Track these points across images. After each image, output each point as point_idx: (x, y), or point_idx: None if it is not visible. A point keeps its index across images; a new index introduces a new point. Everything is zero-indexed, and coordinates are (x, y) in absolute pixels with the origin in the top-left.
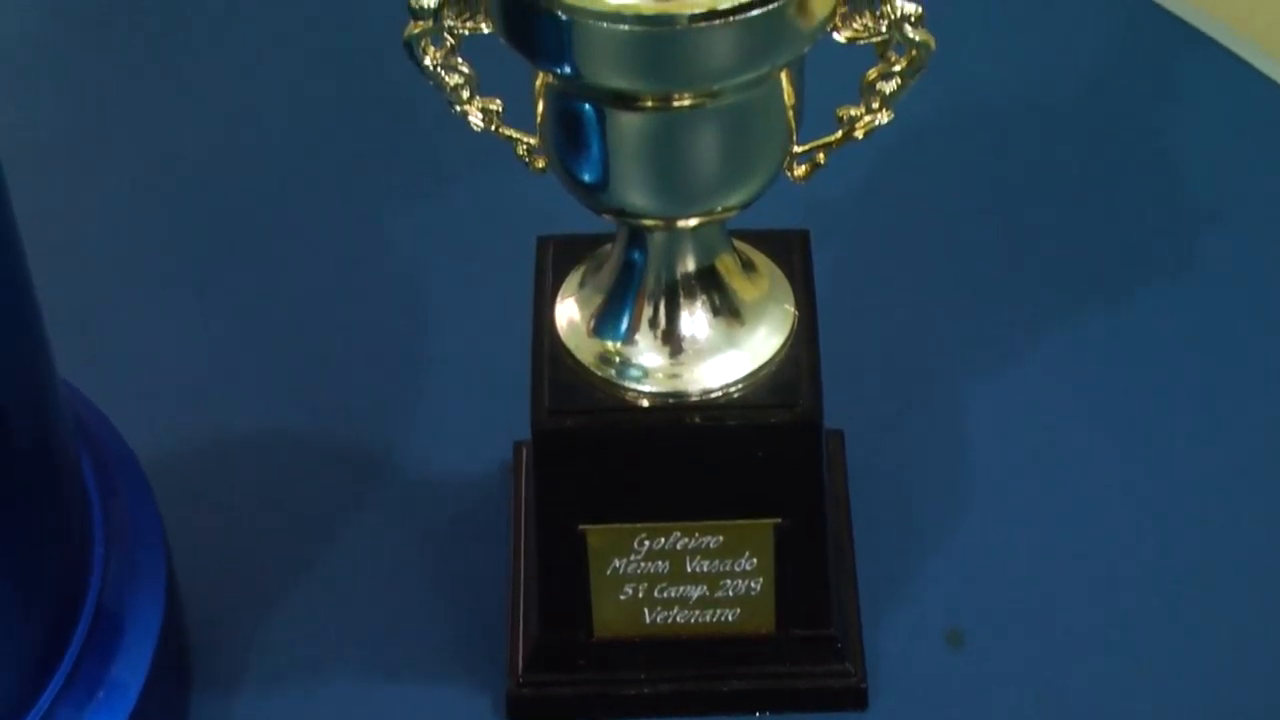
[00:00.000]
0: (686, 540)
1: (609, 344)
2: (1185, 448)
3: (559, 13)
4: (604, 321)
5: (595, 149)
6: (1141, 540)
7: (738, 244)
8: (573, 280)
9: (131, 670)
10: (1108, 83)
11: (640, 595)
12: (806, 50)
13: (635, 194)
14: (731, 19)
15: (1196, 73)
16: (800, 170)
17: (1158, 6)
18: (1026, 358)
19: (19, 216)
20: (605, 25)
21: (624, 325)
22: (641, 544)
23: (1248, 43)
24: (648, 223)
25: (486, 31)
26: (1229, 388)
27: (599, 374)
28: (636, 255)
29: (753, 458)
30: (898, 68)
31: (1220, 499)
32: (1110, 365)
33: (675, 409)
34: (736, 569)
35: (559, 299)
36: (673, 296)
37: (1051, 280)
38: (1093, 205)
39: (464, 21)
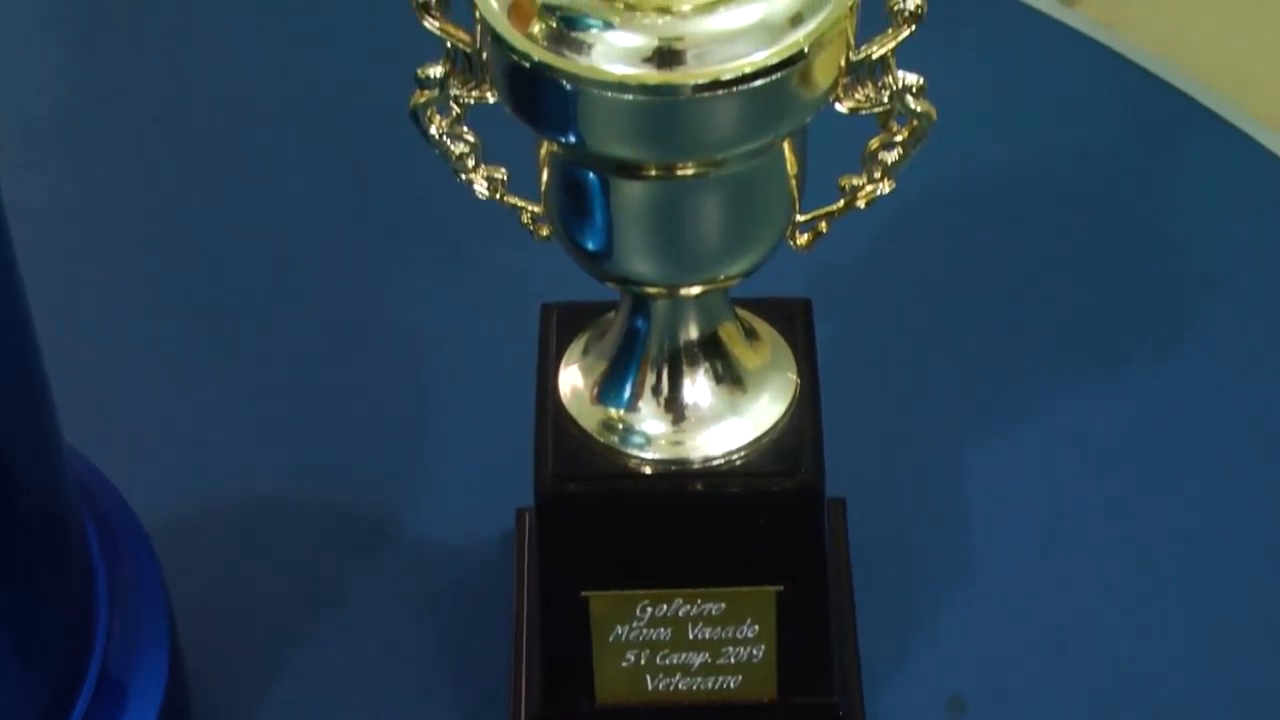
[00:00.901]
0: (689, 607)
1: (612, 411)
2: (1187, 516)
3: (563, 82)
4: (607, 388)
5: (599, 217)
6: (1144, 609)
7: (740, 312)
8: (576, 347)
9: None
10: (1108, 153)
11: (642, 662)
12: (809, 120)
13: (638, 262)
14: (735, 89)
15: (1197, 144)
16: (803, 239)
17: (1157, 79)
18: (1028, 426)
19: (27, 284)
20: (610, 94)
21: (627, 392)
22: (644, 611)
23: (1247, 115)
24: (651, 290)
25: (492, 101)
26: (1231, 456)
27: (602, 441)
28: (639, 323)
29: (755, 525)
30: (899, 138)
31: (1224, 568)
32: (1112, 434)
33: (678, 476)
34: (738, 636)
35: (563, 366)
36: (675, 364)
37: (1053, 349)
38: (1093, 274)
39: (469, 91)
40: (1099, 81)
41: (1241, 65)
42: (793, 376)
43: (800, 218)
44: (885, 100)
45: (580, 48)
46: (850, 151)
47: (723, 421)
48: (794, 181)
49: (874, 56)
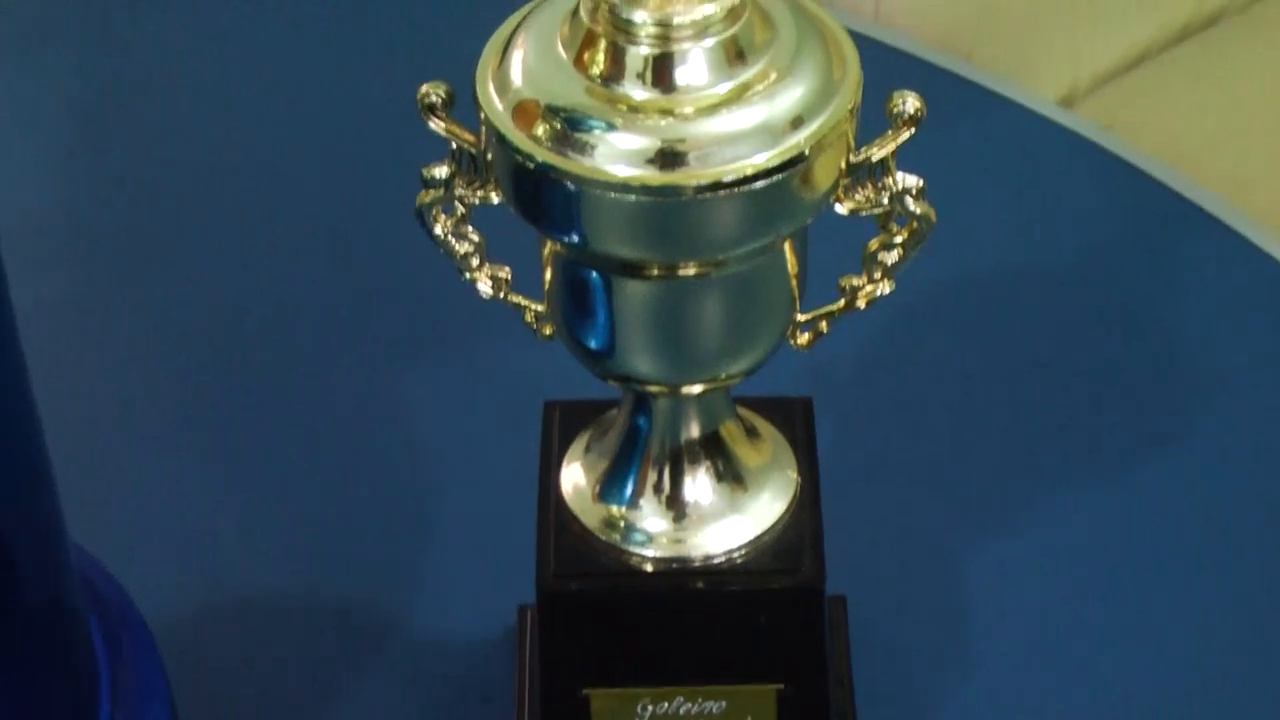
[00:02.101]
0: (689, 705)
1: (614, 509)
2: (1190, 616)
3: (567, 183)
4: (609, 486)
5: (601, 316)
6: (1147, 710)
7: (741, 410)
8: (579, 445)
9: None
10: (1106, 254)
11: None
12: (810, 221)
13: (640, 361)
14: (736, 190)
15: (1195, 246)
16: (803, 338)
17: (1155, 181)
18: (1029, 525)
19: (32, 379)
20: (613, 195)
21: (629, 490)
22: (645, 708)
23: (1245, 217)
24: (652, 389)
25: (496, 201)
26: (1232, 557)
27: (604, 538)
28: (641, 421)
29: (756, 623)
30: (899, 239)
31: (1228, 669)
32: (1114, 534)
33: (679, 574)
34: None
35: (565, 463)
36: (677, 462)
37: (1053, 448)
38: (1092, 375)
39: (474, 191)
40: (1097, 183)
41: (1239, 168)
42: (793, 475)
43: (801, 317)
44: (885, 202)
45: (584, 149)
46: (850, 252)
47: (724, 519)
48: (794, 281)
49: (874, 158)
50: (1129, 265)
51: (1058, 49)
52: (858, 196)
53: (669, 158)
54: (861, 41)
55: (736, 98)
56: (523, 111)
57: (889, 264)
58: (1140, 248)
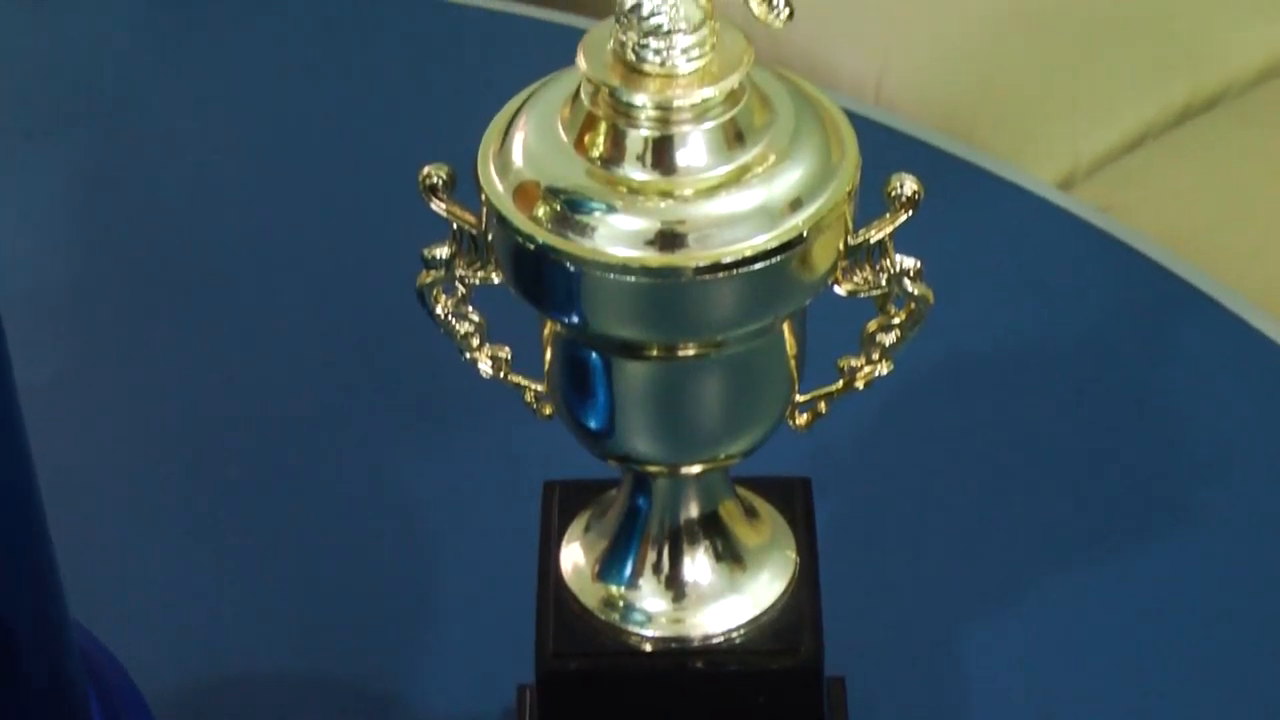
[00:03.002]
0: None
1: (613, 588)
2: (1190, 701)
3: (567, 264)
4: (608, 566)
5: (601, 396)
6: None
7: (740, 490)
8: (578, 524)
9: None
10: (1105, 336)
11: None
12: (808, 302)
13: (640, 441)
14: (735, 272)
15: (1195, 329)
16: (802, 419)
17: (1154, 263)
18: (1028, 605)
19: (34, 460)
20: (612, 276)
21: (628, 570)
22: None
23: (1244, 300)
24: (652, 469)
25: (496, 281)
26: (1230, 639)
27: (603, 618)
28: (641, 501)
29: (754, 703)
30: (897, 320)
31: None
32: (1113, 618)
33: (678, 654)
34: None
35: (564, 543)
36: (676, 542)
37: (1053, 530)
38: (1091, 456)
39: (475, 271)
40: (1096, 265)
41: (1238, 250)
42: (792, 555)
43: (799, 398)
44: (883, 283)
45: (584, 230)
46: (849, 332)
47: (723, 600)
48: (793, 362)
49: (872, 240)
50: (1127, 347)
51: (1057, 131)
52: (856, 278)
53: (669, 239)
54: (862, 122)
55: (735, 180)
56: (524, 193)
57: (887, 345)
58: (1138, 330)
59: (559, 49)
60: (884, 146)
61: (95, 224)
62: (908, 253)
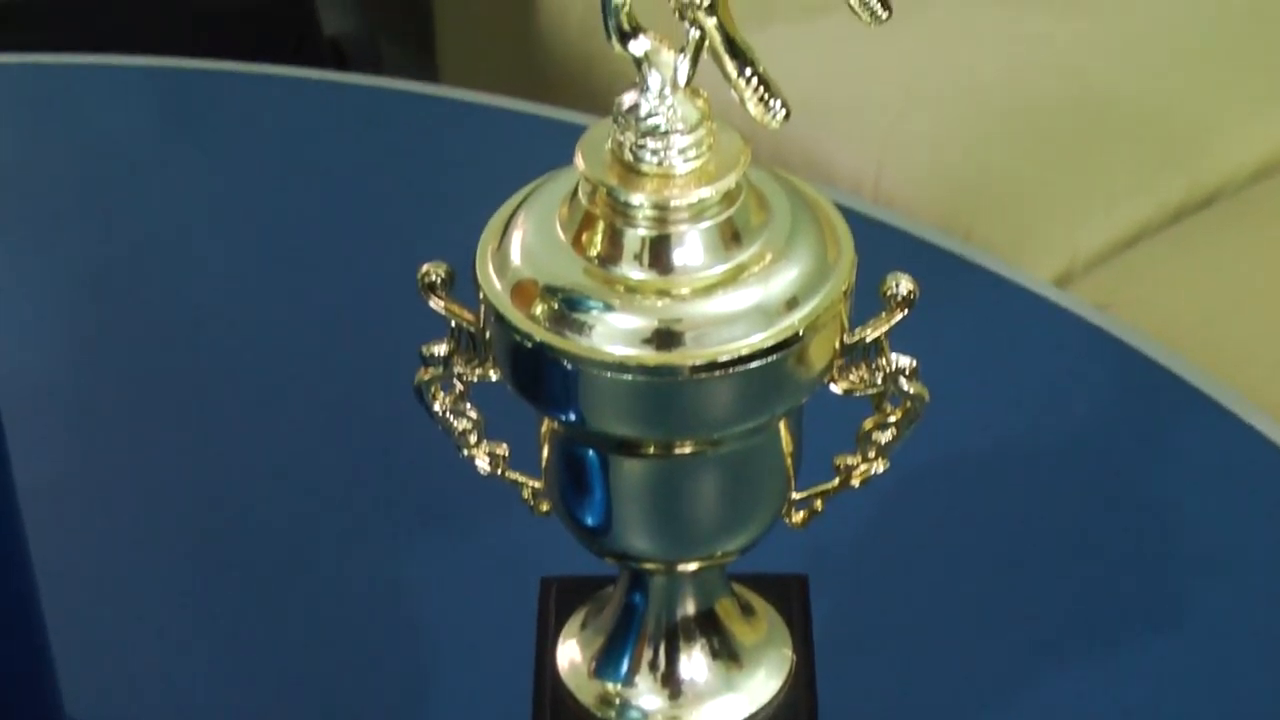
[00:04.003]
0: None
1: (609, 685)
2: None
3: (564, 362)
4: (605, 663)
5: (598, 494)
6: None
7: (737, 588)
8: (575, 621)
9: None
10: (1102, 434)
11: None
12: (805, 400)
13: (636, 539)
14: (731, 371)
15: (1192, 427)
16: (798, 517)
17: (1151, 361)
18: (1026, 706)
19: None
20: (609, 375)
21: (624, 667)
22: None
23: (1241, 398)
24: (649, 566)
25: (494, 379)
26: None
27: (599, 715)
28: (637, 598)
29: None
30: (893, 418)
31: None
32: (1108, 712)
33: None
34: None
35: (561, 639)
36: (672, 639)
37: (1050, 629)
38: (1089, 554)
39: (473, 368)
40: (1093, 362)
41: (1236, 348)
42: (789, 652)
43: (796, 495)
44: (879, 382)
45: (581, 329)
46: (845, 430)
47: (719, 697)
48: (789, 460)
49: (868, 339)
50: (1125, 445)
51: (1055, 227)
52: (852, 376)
53: (665, 338)
54: (860, 220)
55: (732, 279)
56: (521, 291)
57: (883, 443)
58: (1135, 427)
59: (558, 144)
60: (881, 243)
61: (96, 324)
62: (903, 350)
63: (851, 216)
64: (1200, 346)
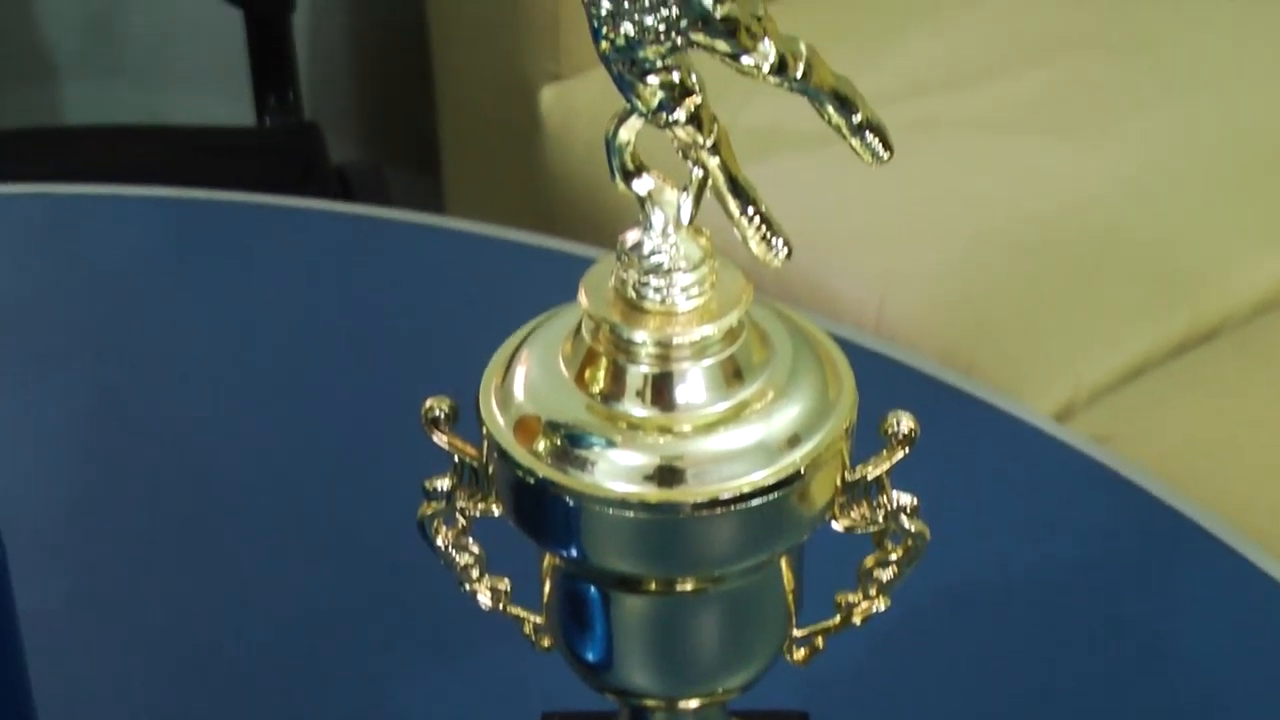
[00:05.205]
0: None
1: None
2: None
3: (566, 498)
4: None
5: (599, 630)
6: None
7: None
8: None
9: None
10: (1103, 569)
11: None
12: (806, 538)
13: (637, 675)
14: (733, 508)
15: (1191, 562)
16: (800, 654)
17: (1152, 496)
18: None
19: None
20: (611, 511)
21: None
22: None
23: (1240, 534)
24: (649, 703)
25: (497, 514)
26: None
27: None
28: None
29: None
30: (894, 556)
31: None
32: None
33: None
34: None
35: None
36: None
37: None
38: (1090, 690)
39: (475, 503)
40: (1094, 497)
41: (1237, 483)
42: None
43: (797, 633)
44: (880, 520)
45: (583, 465)
46: (846, 567)
47: None
48: (791, 597)
49: (869, 477)
50: (1126, 580)
51: (1057, 360)
52: (853, 514)
53: (667, 475)
54: (862, 354)
55: (734, 416)
56: (524, 427)
57: (885, 581)
58: (1137, 563)
59: (562, 275)
60: (883, 377)
61: (100, 452)
62: (904, 484)
63: (853, 349)
64: (1202, 481)
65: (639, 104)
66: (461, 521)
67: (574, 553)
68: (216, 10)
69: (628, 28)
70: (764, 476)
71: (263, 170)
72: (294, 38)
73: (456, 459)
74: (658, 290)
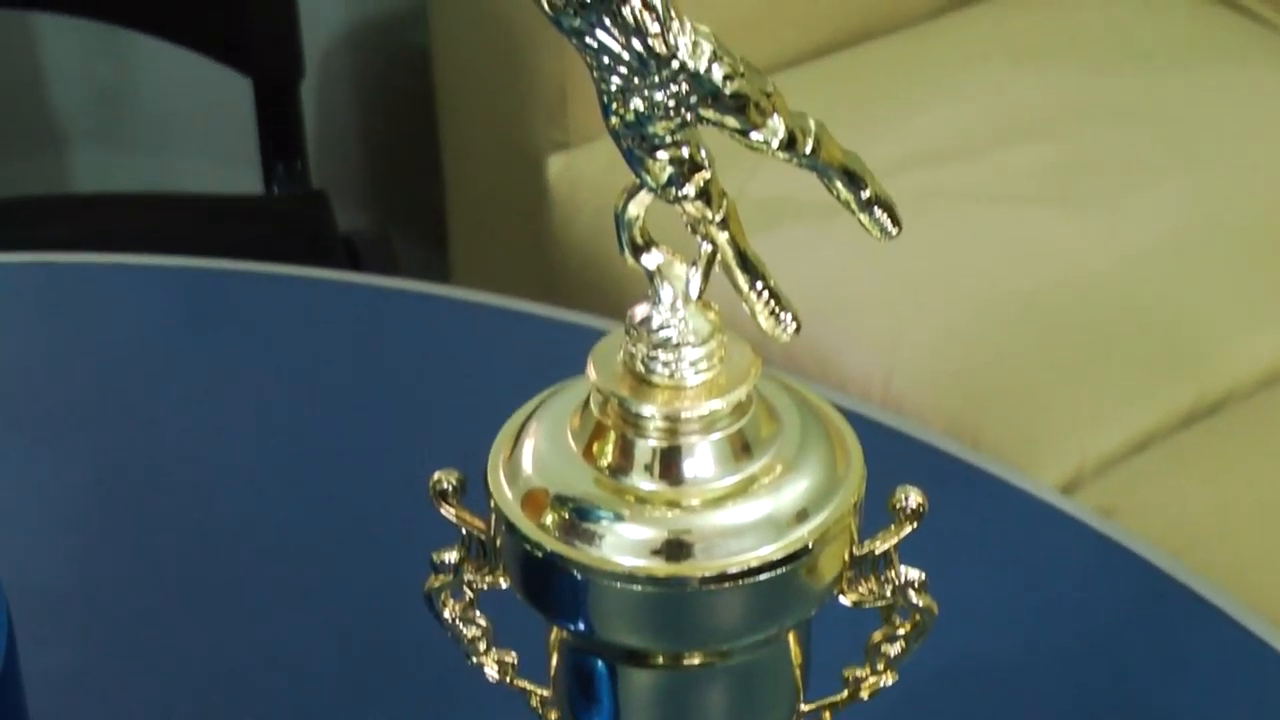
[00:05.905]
0: None
1: None
2: None
3: (574, 572)
4: None
5: (606, 703)
6: None
7: None
8: None
9: None
10: (1109, 644)
11: None
12: (814, 613)
13: None
14: (741, 582)
15: (1195, 635)
16: None
17: (1159, 570)
18: None
19: None
20: (619, 585)
21: None
22: None
23: (1248, 609)
24: None
25: (504, 586)
26: None
27: None
28: None
29: None
30: (902, 631)
31: None
32: None
33: None
34: None
35: None
36: None
37: None
38: None
39: (483, 576)
40: (1100, 571)
41: (1242, 557)
42: None
43: (804, 707)
44: (888, 594)
45: (591, 539)
46: (854, 641)
47: None
48: (798, 672)
49: (877, 551)
50: (1130, 653)
51: (1063, 432)
52: (861, 588)
53: (675, 549)
54: (869, 426)
55: (742, 491)
56: (532, 500)
57: (892, 656)
58: (1142, 637)
59: (570, 345)
60: (890, 449)
61: (106, 524)
62: (910, 557)
63: (861, 421)
64: (1208, 554)
65: (648, 179)
66: (469, 594)
67: (581, 626)
68: (225, 79)
69: (638, 103)
70: (772, 551)
71: (270, 239)
72: (302, 106)
73: (464, 532)
74: (666, 365)
